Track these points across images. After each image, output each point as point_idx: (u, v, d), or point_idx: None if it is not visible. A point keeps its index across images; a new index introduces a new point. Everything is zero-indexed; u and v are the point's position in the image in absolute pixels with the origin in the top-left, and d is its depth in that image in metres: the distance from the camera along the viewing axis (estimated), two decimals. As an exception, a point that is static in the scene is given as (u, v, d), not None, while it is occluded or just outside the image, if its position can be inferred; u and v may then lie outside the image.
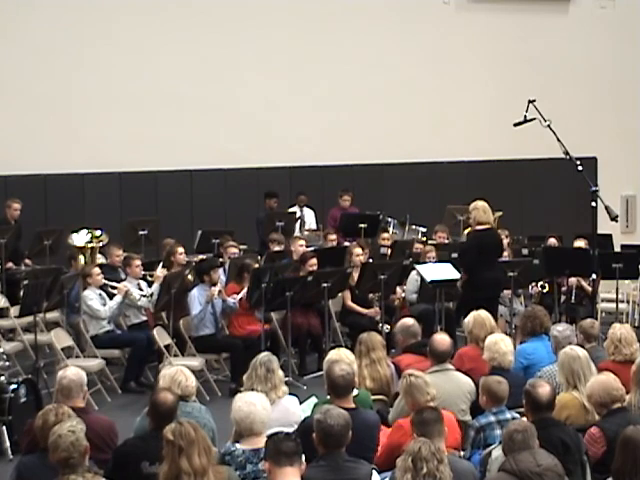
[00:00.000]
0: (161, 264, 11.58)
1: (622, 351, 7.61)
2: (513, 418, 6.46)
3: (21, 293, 11.48)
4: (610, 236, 13.38)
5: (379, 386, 7.66)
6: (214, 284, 10.85)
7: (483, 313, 8.46)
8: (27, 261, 12.96)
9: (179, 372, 6.59)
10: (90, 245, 12.10)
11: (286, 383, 7.36)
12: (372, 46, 16.50)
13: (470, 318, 8.42)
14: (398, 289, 11.99)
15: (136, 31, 15.38)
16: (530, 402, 6.21)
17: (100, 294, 10.87)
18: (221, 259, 12.13)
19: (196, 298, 10.75)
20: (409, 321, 8.52)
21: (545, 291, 12.23)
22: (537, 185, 17.27)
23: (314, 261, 11.69)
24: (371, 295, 11.71)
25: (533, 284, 12.26)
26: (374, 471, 5.71)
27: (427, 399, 6.44)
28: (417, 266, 11.48)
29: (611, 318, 11.78)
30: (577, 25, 17.78)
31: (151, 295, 11.03)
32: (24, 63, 14.92)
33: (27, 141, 14.81)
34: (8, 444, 8.39)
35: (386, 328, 11.02)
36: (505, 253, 12.27)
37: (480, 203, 10.80)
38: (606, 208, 10.22)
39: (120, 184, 15.36)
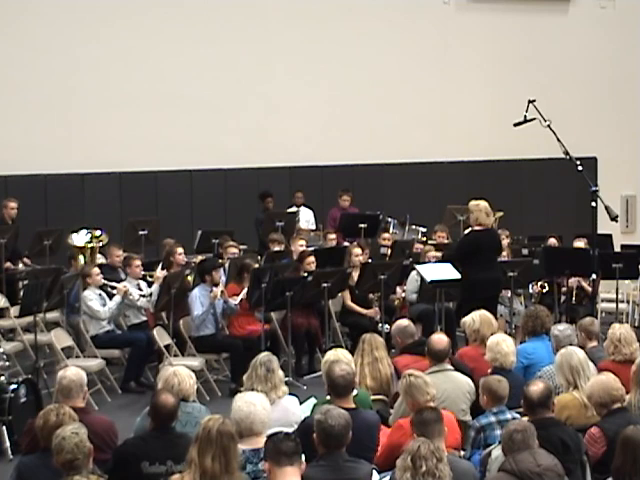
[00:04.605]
0: (160, 265, 11.58)
1: (622, 351, 7.61)
2: (513, 418, 6.46)
3: (21, 293, 11.50)
4: (610, 236, 13.38)
5: (379, 385, 7.67)
6: (215, 284, 10.85)
7: (487, 313, 8.46)
8: (26, 260, 12.95)
9: (172, 375, 6.57)
10: (90, 245, 12.12)
11: (286, 383, 7.36)
12: (372, 46, 16.52)
13: (475, 317, 8.39)
14: (398, 289, 11.99)
15: (136, 31, 15.39)
16: (524, 401, 6.23)
17: (100, 294, 10.87)
18: (221, 259, 12.13)
19: (197, 298, 10.73)
20: (404, 322, 8.54)
21: (545, 291, 12.23)
22: (537, 185, 17.28)
23: (312, 259, 11.70)
24: (371, 295, 11.71)
25: (533, 284, 12.27)
26: (374, 471, 5.72)
27: (427, 399, 6.44)
28: (417, 266, 11.47)
29: (611, 318, 11.79)
30: (577, 25, 17.79)
31: (150, 295, 11.03)
32: (23, 63, 14.92)
33: (27, 141, 14.81)
34: (8, 444, 8.38)
35: (386, 328, 11.01)
36: (504, 253, 12.29)
37: (483, 204, 10.72)
38: (606, 208, 10.22)
39: (120, 184, 15.37)
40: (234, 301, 10.90)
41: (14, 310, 11.00)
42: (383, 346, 7.95)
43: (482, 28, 17.16)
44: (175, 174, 15.60)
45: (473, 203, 10.82)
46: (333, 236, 13.57)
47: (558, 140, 10.36)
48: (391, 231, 14.32)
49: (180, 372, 6.62)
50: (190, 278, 11.47)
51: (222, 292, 10.82)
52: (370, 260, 12.43)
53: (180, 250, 11.79)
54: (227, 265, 11.96)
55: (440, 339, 7.58)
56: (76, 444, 5.30)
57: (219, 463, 5.14)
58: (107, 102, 15.23)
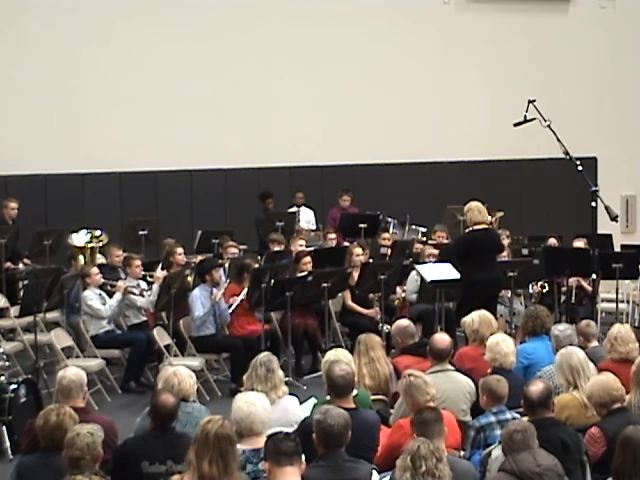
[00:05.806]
0: (160, 265, 11.58)
1: (617, 349, 7.59)
2: (513, 418, 6.46)
3: (21, 293, 11.50)
4: (610, 236, 13.38)
5: (377, 384, 7.68)
6: (215, 284, 10.85)
7: (487, 313, 8.48)
8: (26, 260, 12.94)
9: (172, 375, 6.58)
10: (90, 245, 12.12)
11: (286, 383, 7.37)
12: (372, 46, 16.51)
13: (475, 317, 8.40)
14: (398, 289, 11.99)
15: (136, 31, 15.38)
16: (524, 401, 6.24)
17: (100, 294, 10.87)
18: (221, 259, 12.13)
19: (197, 299, 10.73)
20: (404, 322, 8.56)
21: (545, 291, 12.23)
22: (537, 185, 17.28)
23: (308, 259, 11.71)
24: (371, 295, 11.71)
25: (533, 284, 12.27)
26: (374, 471, 5.71)
27: (427, 399, 6.44)
28: (417, 266, 11.48)
29: (611, 318, 11.79)
30: (577, 25, 17.79)
31: (149, 289, 11.03)
32: (24, 63, 14.91)
33: (27, 141, 14.81)
34: (8, 444, 8.39)
35: (386, 328, 11.01)
36: (505, 253, 12.29)
37: (474, 204, 10.83)
38: (606, 208, 10.23)
39: (120, 184, 15.36)
40: (229, 304, 10.90)
41: (14, 310, 11.01)
42: (379, 345, 7.95)
43: (482, 28, 17.16)
44: (175, 174, 15.59)
45: (465, 207, 10.92)
46: (333, 236, 13.58)
47: (558, 140, 10.36)
48: (391, 231, 14.32)
49: (180, 372, 6.62)
50: (190, 278, 11.47)
51: (222, 293, 10.83)
52: (370, 260, 12.43)
53: (180, 250, 11.79)
54: (227, 265, 11.96)
55: (442, 338, 7.59)
56: (87, 444, 5.32)
57: (217, 466, 5.12)
58: (107, 102, 15.22)
